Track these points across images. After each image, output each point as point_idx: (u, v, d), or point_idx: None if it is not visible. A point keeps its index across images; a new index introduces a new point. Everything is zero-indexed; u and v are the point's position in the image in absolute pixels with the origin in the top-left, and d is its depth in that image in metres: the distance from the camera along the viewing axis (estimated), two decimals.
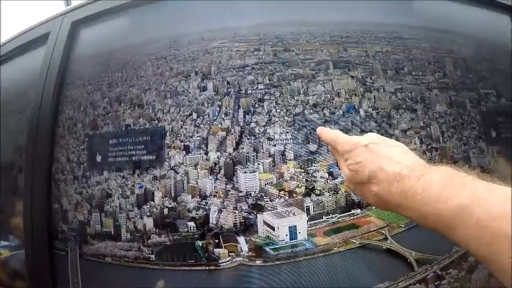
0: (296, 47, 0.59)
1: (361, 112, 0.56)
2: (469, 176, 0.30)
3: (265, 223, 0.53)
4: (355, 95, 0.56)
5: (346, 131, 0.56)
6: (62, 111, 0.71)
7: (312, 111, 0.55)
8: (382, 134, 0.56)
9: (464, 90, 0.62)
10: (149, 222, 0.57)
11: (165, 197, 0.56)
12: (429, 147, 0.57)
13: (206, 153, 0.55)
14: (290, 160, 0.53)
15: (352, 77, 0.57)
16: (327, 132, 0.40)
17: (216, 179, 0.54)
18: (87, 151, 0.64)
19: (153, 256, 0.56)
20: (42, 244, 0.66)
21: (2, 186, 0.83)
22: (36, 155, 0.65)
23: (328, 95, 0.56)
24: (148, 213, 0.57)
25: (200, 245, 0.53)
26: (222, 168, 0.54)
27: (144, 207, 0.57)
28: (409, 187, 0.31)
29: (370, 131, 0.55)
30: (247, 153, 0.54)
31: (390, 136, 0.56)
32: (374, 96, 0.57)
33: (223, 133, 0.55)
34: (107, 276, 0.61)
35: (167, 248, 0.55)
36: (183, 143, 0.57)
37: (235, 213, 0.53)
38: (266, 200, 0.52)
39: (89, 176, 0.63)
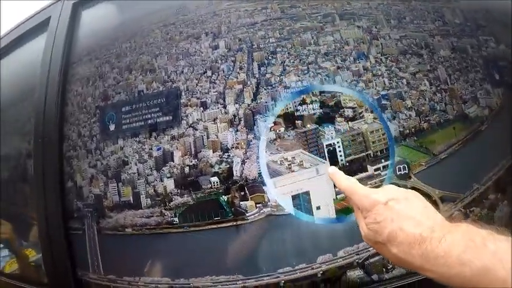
0: (302, 3, 0.60)
1: (371, 58, 0.55)
2: (489, 235, 0.30)
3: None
4: (363, 43, 0.56)
5: (358, 75, 0.58)
6: (69, 90, 0.68)
7: (324, 59, 0.55)
8: (392, 78, 0.60)
9: (465, 36, 0.63)
10: (170, 184, 0.54)
11: (185, 155, 0.53)
12: (438, 88, 0.57)
13: (224, 107, 0.53)
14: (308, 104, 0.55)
15: (359, 26, 0.58)
16: (341, 179, 0.38)
17: (237, 130, 0.52)
18: (99, 123, 0.60)
19: (176, 219, 0.53)
20: (57, 227, 0.59)
21: (11, 176, 0.78)
22: (46, 136, 0.61)
23: (338, 44, 0.56)
24: (168, 175, 0.54)
25: (225, 199, 0.51)
26: (242, 119, 0.52)
27: (163, 169, 0.54)
28: (430, 250, 0.31)
29: (381, 74, 0.58)
30: (266, 102, 0.52)
31: (401, 79, 0.58)
32: (381, 43, 0.57)
33: (240, 86, 0.54)
34: (128, 249, 0.57)
35: (191, 208, 0.52)
36: (199, 100, 0.54)
37: (259, 162, 0.55)
38: None
39: (102, 148, 0.59)
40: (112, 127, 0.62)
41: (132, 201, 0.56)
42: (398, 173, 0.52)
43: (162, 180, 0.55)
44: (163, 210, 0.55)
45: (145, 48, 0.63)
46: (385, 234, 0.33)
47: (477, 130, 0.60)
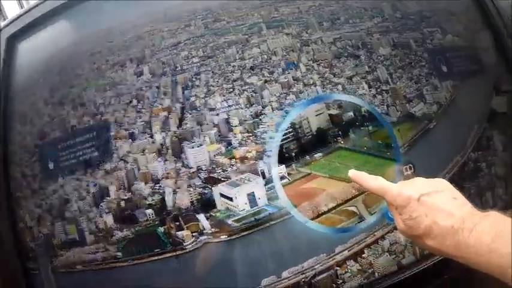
0: (226, 15, 0.55)
1: (301, 66, 0.52)
2: None
3: (222, 195, 0.48)
4: (293, 51, 0.52)
5: (288, 87, 0.54)
6: (11, 128, 0.71)
7: (250, 74, 0.51)
8: (326, 85, 0.56)
9: (407, 31, 0.59)
10: (109, 219, 0.52)
11: (120, 189, 0.52)
12: (379, 90, 0.53)
13: (151, 136, 0.51)
14: (236, 126, 0.49)
15: (287, 34, 0.54)
16: (369, 180, 0.38)
17: (165, 160, 0.50)
18: (39, 162, 0.59)
19: (120, 253, 0.52)
20: (15, 270, 0.63)
21: None
22: None
23: (265, 56, 0.52)
24: (106, 210, 0.52)
25: (162, 231, 0.50)
26: (169, 148, 0.50)
27: (101, 204, 0.53)
28: (462, 240, 0.33)
29: (314, 83, 0.53)
30: (192, 127, 0.49)
31: (335, 85, 0.53)
32: (312, 49, 0.53)
33: (165, 113, 0.51)
34: (80, 285, 0.56)
35: (131, 242, 0.51)
36: (127, 131, 0.52)
37: (189, 191, 0.48)
38: (218, 171, 0.48)
39: (45, 187, 0.58)
40: (51, 165, 0.62)
41: (78, 239, 0.55)
42: (405, 173, 0.50)
43: (101, 216, 0.53)
44: (106, 246, 0.54)
45: (75, 81, 0.61)
46: (421, 229, 0.35)
47: (425, 129, 0.56)
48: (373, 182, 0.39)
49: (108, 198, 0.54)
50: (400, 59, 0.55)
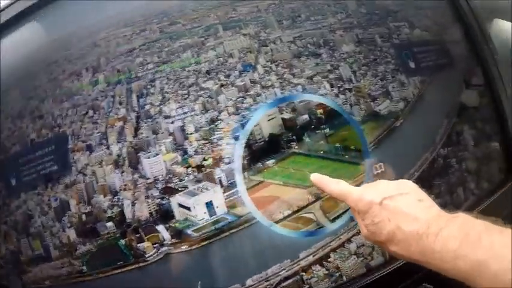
0: (182, 18, 0.53)
1: (259, 68, 0.50)
2: (484, 228, 0.31)
3: (180, 205, 0.47)
4: (250, 52, 0.50)
5: (245, 90, 0.52)
6: None
7: (205, 78, 0.49)
8: (285, 86, 0.55)
9: (372, 26, 0.56)
10: (72, 233, 0.51)
11: (80, 203, 0.50)
12: (341, 89, 0.51)
13: (108, 148, 0.49)
14: (191, 134, 0.47)
15: (245, 34, 0.51)
16: (330, 185, 0.37)
17: (123, 171, 0.48)
18: (2, 177, 0.56)
19: (84, 267, 0.50)
20: None
21: None
22: None
23: (221, 59, 0.50)
24: (68, 224, 0.51)
25: (124, 243, 0.48)
26: (126, 159, 0.48)
27: (63, 219, 0.51)
28: (428, 246, 0.32)
29: (272, 85, 0.50)
30: (147, 137, 0.48)
31: (295, 86, 0.51)
32: (271, 49, 0.51)
33: (121, 122, 0.49)
34: None
35: (94, 255, 0.50)
36: (85, 143, 0.51)
37: (148, 202, 0.47)
38: (175, 181, 0.46)
39: (8, 203, 0.56)
40: (13, 181, 0.62)
41: (43, 254, 0.53)
42: (375, 172, 0.48)
43: (64, 231, 0.52)
44: (71, 260, 0.52)
45: (32, 92, 0.59)
46: (384, 234, 0.34)
47: (392, 127, 0.54)
48: (335, 186, 0.38)
49: (69, 212, 0.52)
50: (365, 55, 0.53)
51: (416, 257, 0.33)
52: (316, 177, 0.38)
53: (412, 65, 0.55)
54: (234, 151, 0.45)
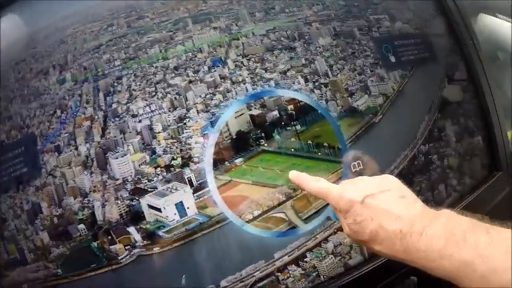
0: (151, 12, 0.50)
1: (229, 63, 0.48)
2: (470, 227, 0.30)
3: (150, 206, 0.45)
4: (220, 46, 0.48)
5: (214, 86, 0.49)
6: None
7: (173, 75, 0.47)
8: (257, 81, 0.53)
9: (351, 18, 0.54)
10: (45, 236, 0.49)
11: (51, 205, 0.49)
12: (317, 84, 0.49)
13: (76, 149, 0.48)
14: (159, 133, 0.45)
15: (215, 28, 0.49)
16: (309, 183, 0.36)
17: (92, 172, 0.47)
18: None
19: (59, 270, 0.49)
20: None
21: None
22: None
23: (190, 54, 0.48)
24: (41, 227, 0.50)
25: (96, 245, 0.47)
26: (94, 159, 0.47)
27: (36, 222, 0.50)
28: (412, 245, 0.31)
29: (243, 80, 0.49)
30: (115, 137, 0.46)
31: (267, 81, 0.49)
32: (242, 43, 0.48)
33: (88, 122, 0.48)
34: None
35: (68, 258, 0.49)
36: (53, 144, 0.49)
37: (118, 203, 0.46)
38: (144, 181, 0.45)
39: None
40: None
41: (19, 258, 0.52)
42: (353, 170, 0.47)
43: (37, 234, 0.50)
44: (46, 263, 0.51)
45: (1, 93, 0.61)
46: (367, 234, 0.34)
47: (370, 123, 0.52)
48: (314, 184, 0.36)
49: (41, 215, 0.51)
50: (342, 49, 0.51)
51: (400, 255, 0.33)
52: (294, 174, 0.37)
53: (392, 58, 0.52)
54: (205, 149, 0.45)
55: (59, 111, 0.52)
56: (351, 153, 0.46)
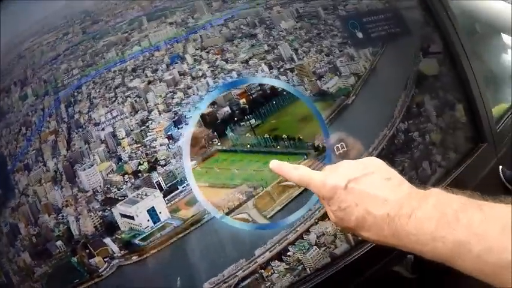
0: (105, 14, 0.49)
1: (188, 58, 0.46)
2: (461, 205, 0.28)
3: (122, 215, 0.44)
4: (178, 42, 0.46)
5: (174, 84, 0.47)
6: None
7: (132, 77, 0.45)
8: (218, 73, 0.51)
9: None
10: (27, 257, 0.49)
11: (28, 225, 0.48)
12: (282, 70, 0.47)
13: (45, 165, 0.47)
14: (123, 138, 0.44)
15: (171, 23, 0.47)
16: (290, 171, 0.35)
17: (62, 187, 0.46)
18: None
19: None
20: None
21: None
22: None
23: (147, 53, 0.46)
24: (22, 248, 0.49)
25: (76, 260, 0.46)
26: (63, 173, 0.46)
27: (16, 243, 0.49)
28: (401, 228, 0.30)
29: (203, 75, 0.47)
30: (80, 148, 0.45)
31: (229, 72, 0.46)
32: (200, 35, 0.47)
33: (53, 136, 0.47)
34: None
35: (51, 276, 0.48)
36: (22, 163, 0.48)
37: (91, 215, 0.45)
38: (114, 190, 0.44)
39: None
40: None
41: (5, 281, 0.52)
42: (337, 152, 0.45)
43: (19, 255, 0.50)
44: (31, 284, 0.51)
45: None
46: (353, 220, 0.32)
47: (343, 105, 0.49)
48: (295, 172, 0.35)
49: (20, 235, 0.50)
50: (307, 31, 0.48)
51: (390, 241, 0.31)
52: (275, 164, 0.36)
53: (359, 35, 0.50)
54: (182, 143, 0.41)
55: (23, 129, 0.52)
56: (333, 136, 0.44)
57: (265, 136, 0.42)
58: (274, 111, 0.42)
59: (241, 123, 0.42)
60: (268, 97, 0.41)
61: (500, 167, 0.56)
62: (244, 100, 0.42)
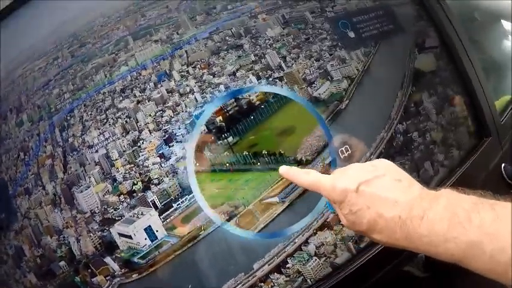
0: (91, 37, 0.50)
1: (175, 74, 0.46)
2: (472, 205, 0.28)
3: (120, 235, 0.45)
4: (164, 59, 0.46)
5: (162, 102, 0.47)
6: None
7: (121, 98, 0.46)
8: (205, 88, 0.50)
9: (301, 2, 0.50)
10: (32, 278, 0.51)
11: (32, 247, 0.50)
12: (270, 79, 0.46)
13: (43, 188, 0.48)
14: (116, 159, 0.45)
15: (156, 40, 0.47)
16: (300, 176, 0.35)
17: (61, 209, 0.47)
18: None
19: None
20: None
21: None
22: None
23: (134, 73, 0.46)
24: (27, 270, 0.51)
25: (79, 280, 0.47)
26: (61, 196, 0.47)
27: (21, 265, 0.51)
28: (413, 231, 0.30)
29: (191, 91, 0.47)
30: (76, 170, 0.46)
31: (216, 86, 0.46)
32: (185, 51, 0.46)
33: (50, 160, 0.48)
34: None
35: None
36: (23, 187, 0.50)
37: (90, 236, 0.46)
38: (111, 210, 0.45)
39: None
40: None
41: None
42: (342, 156, 0.44)
43: (26, 276, 0.52)
44: None
45: None
46: (365, 223, 0.32)
47: (336, 111, 0.48)
48: (304, 177, 0.35)
49: (25, 257, 0.52)
50: (294, 36, 0.47)
51: (402, 243, 0.31)
52: (283, 169, 0.36)
53: (351, 34, 0.48)
54: (186, 152, 0.39)
55: (22, 154, 0.53)
56: (337, 139, 0.43)
57: (244, 153, 0.41)
58: (252, 126, 0.41)
59: (218, 142, 0.40)
60: (245, 113, 0.40)
61: (503, 164, 0.53)
62: (220, 118, 0.41)
